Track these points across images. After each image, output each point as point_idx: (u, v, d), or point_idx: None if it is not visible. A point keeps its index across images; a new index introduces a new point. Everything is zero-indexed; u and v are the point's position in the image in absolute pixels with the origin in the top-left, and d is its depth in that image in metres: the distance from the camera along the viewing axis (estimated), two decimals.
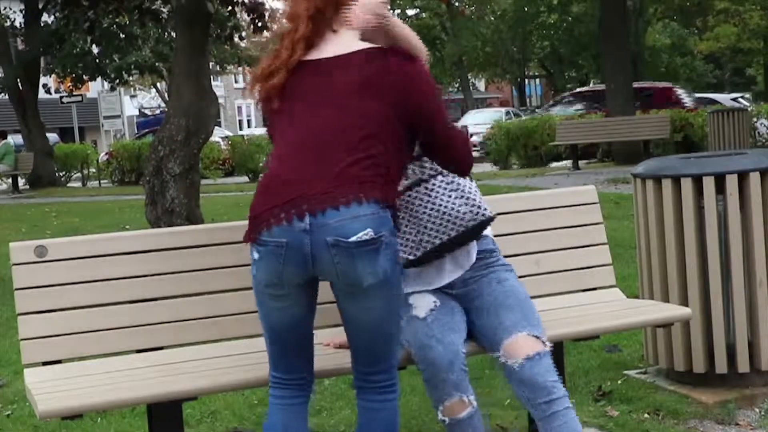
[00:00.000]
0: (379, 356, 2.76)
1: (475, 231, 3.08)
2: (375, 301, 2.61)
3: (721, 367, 4.04)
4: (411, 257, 3.05)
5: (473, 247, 3.22)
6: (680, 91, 23.34)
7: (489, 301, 3.13)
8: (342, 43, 2.73)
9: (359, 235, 2.50)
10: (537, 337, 3.02)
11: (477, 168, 15.42)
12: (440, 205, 3.02)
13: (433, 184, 3.05)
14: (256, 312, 2.87)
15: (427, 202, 3.03)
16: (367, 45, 2.73)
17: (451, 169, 3.00)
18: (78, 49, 23.75)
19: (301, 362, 2.84)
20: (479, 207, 3.04)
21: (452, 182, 3.06)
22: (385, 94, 2.65)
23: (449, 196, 3.03)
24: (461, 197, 3.03)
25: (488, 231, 3.27)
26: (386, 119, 2.65)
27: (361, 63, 2.67)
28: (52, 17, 23.85)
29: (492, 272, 3.21)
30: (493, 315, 3.08)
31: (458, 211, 3.02)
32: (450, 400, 3.00)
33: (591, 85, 33.37)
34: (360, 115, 2.63)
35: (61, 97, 28.78)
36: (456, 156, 2.91)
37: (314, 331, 2.86)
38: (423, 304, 3.12)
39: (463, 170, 2.99)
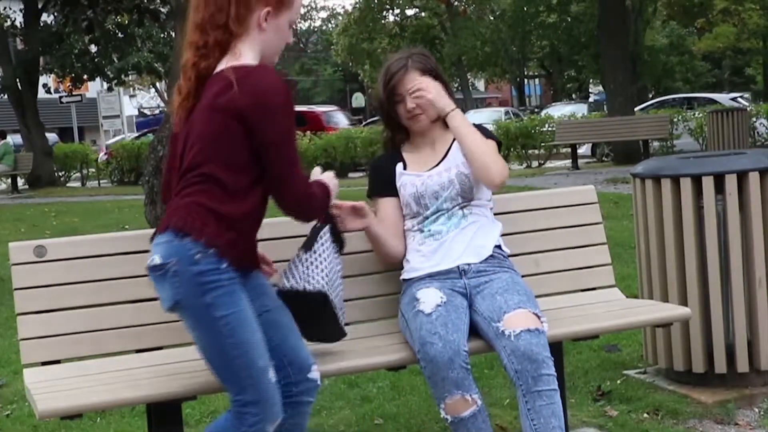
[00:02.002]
0: (220, 378, 2.77)
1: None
2: (187, 325, 2.75)
3: (721, 366, 4.04)
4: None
5: (489, 240, 3.33)
6: (328, 116, 25.66)
7: (498, 286, 3.20)
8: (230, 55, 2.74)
9: (149, 261, 2.70)
10: (538, 317, 3.06)
11: None
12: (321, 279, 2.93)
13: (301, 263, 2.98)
14: None
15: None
16: (231, 63, 2.69)
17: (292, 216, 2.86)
18: (77, 49, 23.75)
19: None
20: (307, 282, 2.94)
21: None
22: (222, 115, 2.63)
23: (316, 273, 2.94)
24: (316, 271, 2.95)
25: (500, 239, 3.39)
26: (219, 143, 2.64)
27: (214, 83, 2.69)
28: (52, 17, 23.85)
29: (506, 271, 3.31)
30: (500, 296, 3.14)
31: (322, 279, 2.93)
32: (452, 397, 3.01)
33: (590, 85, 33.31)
34: (197, 143, 2.68)
35: (61, 97, 28.80)
36: (284, 205, 2.77)
37: None
38: (430, 300, 3.14)
39: (300, 219, 2.93)
